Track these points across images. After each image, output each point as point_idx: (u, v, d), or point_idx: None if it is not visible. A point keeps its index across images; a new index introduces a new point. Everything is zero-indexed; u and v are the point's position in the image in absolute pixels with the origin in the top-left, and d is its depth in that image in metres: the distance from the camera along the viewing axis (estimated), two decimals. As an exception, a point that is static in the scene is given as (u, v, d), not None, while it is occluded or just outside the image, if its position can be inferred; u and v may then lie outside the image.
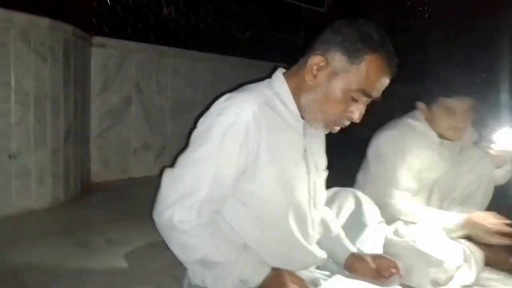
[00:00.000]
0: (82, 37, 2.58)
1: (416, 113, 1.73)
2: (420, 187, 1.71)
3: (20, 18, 2.02)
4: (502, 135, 1.68)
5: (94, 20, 2.90)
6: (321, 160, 1.20)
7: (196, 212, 0.95)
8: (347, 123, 1.07)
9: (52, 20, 2.16)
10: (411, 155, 1.66)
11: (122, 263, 1.65)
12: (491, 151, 1.69)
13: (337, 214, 1.38)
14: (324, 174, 1.22)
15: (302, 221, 1.09)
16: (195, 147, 0.99)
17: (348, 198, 1.42)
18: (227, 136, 0.96)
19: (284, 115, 1.06)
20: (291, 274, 0.99)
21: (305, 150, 1.10)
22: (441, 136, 1.70)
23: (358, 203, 1.41)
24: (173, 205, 0.95)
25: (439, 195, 1.77)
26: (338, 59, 1.00)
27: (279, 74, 1.09)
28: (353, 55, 0.99)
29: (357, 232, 1.34)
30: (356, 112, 1.03)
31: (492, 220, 1.52)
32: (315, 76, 1.02)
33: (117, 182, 2.93)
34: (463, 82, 1.60)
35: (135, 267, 1.62)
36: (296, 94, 1.06)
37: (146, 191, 1.02)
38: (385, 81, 1.02)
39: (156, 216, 0.99)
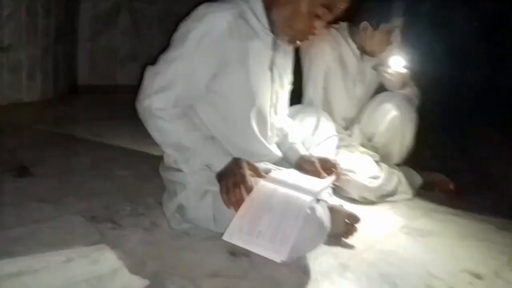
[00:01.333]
0: None
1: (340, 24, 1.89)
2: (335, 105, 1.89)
3: None
4: (395, 61, 1.83)
5: None
6: (287, 75, 1.40)
7: (172, 103, 1.15)
8: (311, 37, 1.25)
9: None
10: (325, 64, 1.84)
11: (107, 152, 1.88)
12: (385, 74, 1.84)
13: (299, 126, 1.59)
14: (288, 87, 1.42)
15: (262, 122, 1.31)
16: (174, 47, 1.16)
17: (310, 113, 1.64)
18: (202, 41, 1.13)
19: (255, 28, 1.22)
20: (248, 162, 1.20)
21: (272, 62, 1.29)
22: (362, 50, 1.86)
23: (318, 118, 1.63)
24: (152, 95, 1.14)
25: (361, 134, 1.93)
26: None
27: None
28: None
29: (313, 142, 1.58)
30: (319, 28, 1.22)
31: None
32: None
33: (102, 87, 3.09)
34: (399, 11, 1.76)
35: (118, 156, 1.85)
36: (268, 10, 1.23)
37: (131, 97, 1.21)
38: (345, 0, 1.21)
39: (137, 104, 1.18)
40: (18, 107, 2.29)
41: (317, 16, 1.20)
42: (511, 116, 3.64)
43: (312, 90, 1.85)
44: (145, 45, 3.32)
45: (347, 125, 1.97)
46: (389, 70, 1.82)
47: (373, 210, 1.68)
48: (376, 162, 1.83)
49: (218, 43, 1.15)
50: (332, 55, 1.83)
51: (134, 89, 1.22)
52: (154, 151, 1.79)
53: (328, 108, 1.85)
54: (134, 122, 1.25)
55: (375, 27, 1.77)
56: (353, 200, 1.71)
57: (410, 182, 1.90)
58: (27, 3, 2.23)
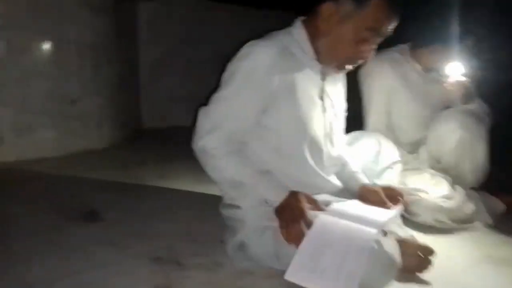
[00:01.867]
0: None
1: (401, 48, 1.82)
2: (402, 132, 1.81)
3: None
4: (452, 68, 1.72)
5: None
6: (339, 102, 1.38)
7: (224, 141, 1.18)
8: (360, 62, 1.23)
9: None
10: (385, 81, 1.77)
11: (171, 194, 1.94)
12: (445, 85, 1.74)
13: (358, 154, 1.54)
14: (342, 115, 1.39)
15: (317, 153, 1.29)
16: (223, 87, 1.21)
17: (370, 140, 1.58)
18: (248, 78, 1.17)
19: (302, 59, 1.23)
20: (307, 195, 1.18)
21: (322, 91, 1.28)
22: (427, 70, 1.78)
23: (379, 143, 1.57)
24: (205, 136, 1.19)
25: (429, 156, 1.83)
26: (347, 5, 1.16)
27: (297, 22, 1.27)
28: (360, 1, 1.14)
29: (375, 170, 1.52)
30: (368, 51, 1.20)
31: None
32: (327, 22, 1.18)
33: (165, 129, 3.23)
34: (444, 32, 1.68)
35: (181, 196, 1.90)
36: (313, 39, 1.23)
37: (191, 138, 1.27)
38: (392, 20, 1.18)
39: (193, 145, 1.23)
40: (89, 154, 2.45)
41: (364, 40, 1.18)
42: None
43: (374, 115, 1.80)
44: (201, 86, 3.44)
45: (414, 149, 1.87)
46: (448, 79, 1.73)
47: (449, 239, 1.56)
48: (450, 185, 1.70)
49: (265, 78, 1.17)
50: (394, 76, 1.78)
51: (193, 130, 1.26)
52: (214, 191, 1.81)
53: (392, 133, 1.77)
54: (195, 162, 1.27)
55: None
56: (426, 229, 1.58)
57: (490, 209, 1.74)
58: (91, 56, 2.41)
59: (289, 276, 0.98)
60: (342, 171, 1.42)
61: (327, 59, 1.24)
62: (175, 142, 2.89)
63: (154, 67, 3.24)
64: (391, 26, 1.19)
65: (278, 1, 3.87)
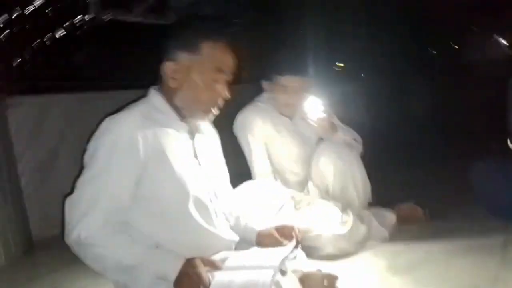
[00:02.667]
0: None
1: (264, 93, 1.97)
2: (290, 175, 1.93)
3: None
4: (310, 104, 1.84)
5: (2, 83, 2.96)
6: (216, 157, 1.40)
7: (100, 225, 1.10)
8: (221, 102, 1.27)
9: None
10: (259, 133, 1.88)
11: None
12: (309, 121, 1.86)
13: (252, 202, 1.57)
14: (222, 169, 1.42)
15: (203, 211, 1.26)
16: (87, 169, 1.15)
17: (260, 187, 1.64)
18: (112, 153, 1.13)
19: (165, 123, 1.23)
20: (203, 258, 1.14)
21: (194, 149, 1.29)
22: (282, 113, 1.92)
23: (268, 189, 1.63)
24: (77, 225, 1.09)
25: (318, 189, 1.96)
26: (183, 57, 1.22)
27: (151, 90, 1.28)
28: (192, 47, 1.21)
29: (269, 213, 1.56)
30: (222, 91, 1.25)
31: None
32: (174, 79, 1.23)
33: (60, 237, 2.96)
34: (294, 61, 1.85)
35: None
36: (171, 100, 1.25)
37: None
38: (229, 55, 1.25)
39: (66, 240, 1.12)
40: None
41: (215, 81, 1.24)
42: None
43: (257, 164, 1.87)
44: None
45: (302, 186, 1.97)
46: (310, 116, 1.85)
47: (353, 261, 1.63)
48: (341, 210, 1.80)
49: (130, 149, 1.13)
50: (264, 125, 1.89)
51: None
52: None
53: (279, 177, 1.86)
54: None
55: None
56: (332, 258, 1.64)
57: (383, 222, 1.87)
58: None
59: None
60: (236, 225, 1.42)
61: (190, 111, 1.25)
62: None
63: (36, 171, 3.02)
64: (232, 61, 1.26)
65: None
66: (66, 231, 1.12)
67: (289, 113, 1.93)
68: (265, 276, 1.03)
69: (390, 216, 1.93)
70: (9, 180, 2.69)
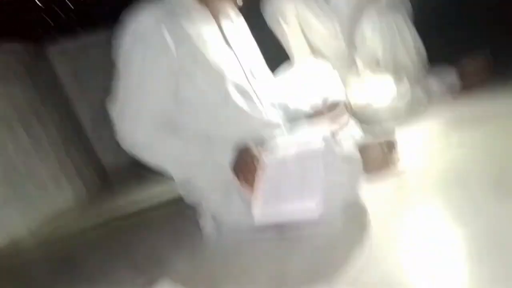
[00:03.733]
0: (36, 51, 2.75)
1: None
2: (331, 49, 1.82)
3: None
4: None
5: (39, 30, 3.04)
6: (247, 39, 1.35)
7: (150, 125, 1.12)
8: None
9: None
10: (292, 15, 1.78)
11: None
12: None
13: (295, 83, 1.51)
14: (255, 50, 1.38)
15: (244, 93, 1.23)
16: (124, 73, 1.14)
17: (302, 67, 1.56)
18: (146, 54, 1.11)
19: (186, 13, 1.19)
20: (253, 148, 1.13)
21: (223, 33, 1.25)
22: None
23: (311, 66, 1.55)
24: (129, 129, 1.13)
25: (367, 63, 1.84)
26: None
27: None
28: None
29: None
30: None
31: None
32: None
33: (130, 164, 3.14)
34: None
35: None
36: None
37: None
38: None
39: (122, 143, 1.16)
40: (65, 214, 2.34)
41: None
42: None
43: (295, 46, 1.80)
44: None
45: (349, 64, 1.87)
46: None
47: (414, 125, 1.56)
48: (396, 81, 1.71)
49: (160, 49, 1.12)
50: (295, 4, 1.79)
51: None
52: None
53: (320, 55, 1.78)
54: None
55: None
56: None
57: (444, 82, 1.76)
58: (23, 122, 2.34)
59: (259, 219, 0.97)
60: (286, 112, 1.39)
61: None
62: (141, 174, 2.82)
63: (93, 111, 3.17)
64: None
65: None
66: (119, 136, 1.15)
67: None
68: (317, 144, 1.02)
69: (452, 75, 1.80)
70: (71, 124, 2.87)
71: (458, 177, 1.08)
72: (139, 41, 1.12)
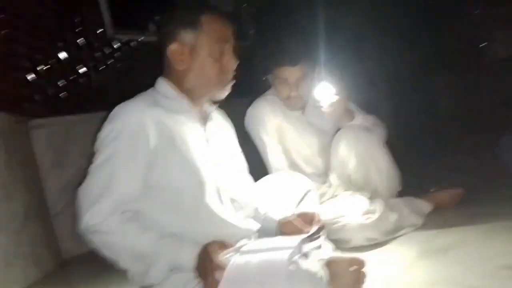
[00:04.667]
0: (17, 121, 2.75)
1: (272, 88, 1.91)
2: (309, 167, 1.88)
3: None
4: (321, 90, 1.74)
5: (25, 105, 3.06)
6: (229, 144, 1.39)
7: (109, 211, 1.09)
8: (231, 75, 1.28)
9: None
10: (271, 126, 1.84)
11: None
12: (322, 109, 1.76)
13: (272, 195, 1.53)
14: (237, 157, 1.41)
15: (218, 199, 1.24)
16: (96, 157, 1.16)
17: (280, 179, 1.61)
18: (120, 139, 1.13)
19: (174, 109, 1.23)
20: (221, 243, 1.10)
21: (206, 136, 1.28)
22: (288, 107, 1.86)
23: (288, 179, 1.58)
24: (87, 211, 1.09)
25: (341, 180, 1.88)
26: (186, 35, 1.22)
27: (159, 79, 1.29)
28: (192, 24, 1.22)
29: (291, 205, 1.51)
30: (231, 61, 1.26)
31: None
32: (182, 60, 1.23)
33: (89, 254, 2.98)
34: (291, 51, 1.74)
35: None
36: (181, 85, 1.26)
37: None
38: (229, 24, 1.27)
39: (78, 226, 1.12)
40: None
41: (222, 54, 1.25)
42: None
43: (273, 157, 1.83)
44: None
45: (324, 178, 1.90)
46: (322, 104, 1.76)
47: (383, 249, 1.55)
48: (370, 199, 1.73)
49: (138, 135, 1.14)
50: (275, 116, 1.86)
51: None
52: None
53: (298, 170, 1.80)
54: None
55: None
56: (360, 249, 1.57)
57: (417, 211, 1.78)
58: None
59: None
60: (256, 217, 1.38)
61: (205, 90, 1.26)
62: (102, 267, 2.67)
63: (64, 192, 3.08)
64: (232, 30, 1.28)
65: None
66: (77, 220, 1.11)
67: (294, 106, 1.86)
68: (283, 255, 0.99)
69: (425, 205, 1.84)
70: (37, 200, 2.76)
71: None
72: (117, 130, 1.14)
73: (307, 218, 1.31)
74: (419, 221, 1.73)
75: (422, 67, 4.44)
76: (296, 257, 1.02)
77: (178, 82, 1.26)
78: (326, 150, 1.88)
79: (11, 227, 2.38)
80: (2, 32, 2.76)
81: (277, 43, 1.79)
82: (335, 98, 1.73)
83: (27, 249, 2.47)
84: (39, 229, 2.69)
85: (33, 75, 3.02)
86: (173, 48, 1.22)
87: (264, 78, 1.92)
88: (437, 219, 1.75)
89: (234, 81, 1.30)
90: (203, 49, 1.22)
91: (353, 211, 1.64)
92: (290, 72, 1.75)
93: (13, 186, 2.50)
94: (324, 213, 1.63)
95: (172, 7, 1.27)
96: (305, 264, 1.02)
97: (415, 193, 1.91)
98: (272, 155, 1.83)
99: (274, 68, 1.78)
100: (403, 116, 3.96)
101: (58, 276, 2.63)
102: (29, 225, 2.54)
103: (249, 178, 1.47)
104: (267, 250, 1.06)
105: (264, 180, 1.61)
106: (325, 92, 1.73)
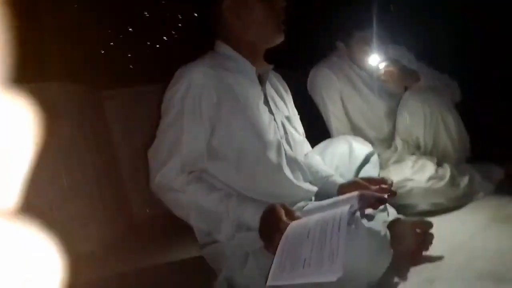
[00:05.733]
0: (91, 92, 2.92)
1: (338, 51, 1.87)
2: (370, 130, 1.84)
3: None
4: (373, 61, 1.75)
5: (98, 77, 3.24)
6: (288, 106, 1.39)
7: (179, 170, 1.14)
8: (284, 14, 1.28)
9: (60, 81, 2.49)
10: (334, 88, 1.81)
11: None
12: (381, 79, 1.75)
13: (331, 160, 1.51)
14: (295, 118, 1.41)
15: (279, 158, 1.24)
16: (163, 117, 1.20)
17: (339, 142, 1.56)
18: (185, 100, 1.16)
19: (235, 69, 1.25)
20: (284, 206, 1.10)
21: (265, 96, 1.29)
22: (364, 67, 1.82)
23: (349, 143, 1.54)
24: (159, 171, 1.14)
25: (406, 144, 1.82)
26: None
27: (218, 42, 1.31)
28: None
29: (352, 169, 1.47)
30: (280, 1, 1.26)
31: None
32: (238, 17, 1.25)
33: (159, 217, 3.14)
34: (369, 16, 1.70)
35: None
36: (241, 42, 1.27)
37: None
38: None
39: (151, 185, 1.18)
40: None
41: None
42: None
43: (335, 122, 1.80)
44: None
45: (388, 143, 1.84)
46: (379, 73, 1.74)
47: (451, 214, 1.50)
48: (437, 164, 1.65)
49: (201, 96, 1.16)
50: (338, 80, 1.82)
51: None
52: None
53: (360, 134, 1.75)
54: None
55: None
56: (428, 215, 1.50)
57: (488, 177, 1.68)
58: (65, 161, 2.42)
59: (271, 281, 0.91)
60: (316, 179, 1.38)
61: (267, 35, 1.27)
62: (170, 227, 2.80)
63: (134, 159, 3.26)
64: None
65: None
66: (150, 179, 1.17)
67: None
68: (343, 210, 0.98)
69: (497, 171, 1.73)
70: (109, 167, 2.94)
71: (492, 273, 0.99)
72: (183, 90, 1.17)
73: (373, 183, 1.27)
74: (490, 187, 1.64)
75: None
76: (357, 214, 1.00)
77: (237, 40, 1.28)
78: (394, 114, 1.82)
79: (86, 191, 2.57)
80: (74, 6, 2.92)
81: (356, 9, 1.76)
82: (387, 66, 1.71)
83: (101, 212, 2.66)
84: (112, 193, 2.88)
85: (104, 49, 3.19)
86: (226, 5, 1.24)
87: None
88: (510, 186, 1.64)
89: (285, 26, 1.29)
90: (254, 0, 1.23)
91: (420, 175, 1.59)
92: (370, 36, 1.72)
93: (88, 153, 2.68)
94: (390, 176, 1.59)
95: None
96: (367, 223, 1.01)
97: (487, 159, 1.80)
98: (334, 118, 1.81)
99: (355, 33, 1.77)
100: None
101: (130, 237, 2.81)
102: (102, 189, 2.73)
103: (307, 142, 1.46)
104: (329, 206, 1.06)
105: (324, 143, 1.59)
106: (377, 61, 1.73)
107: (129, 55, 3.35)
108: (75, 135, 2.59)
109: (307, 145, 1.47)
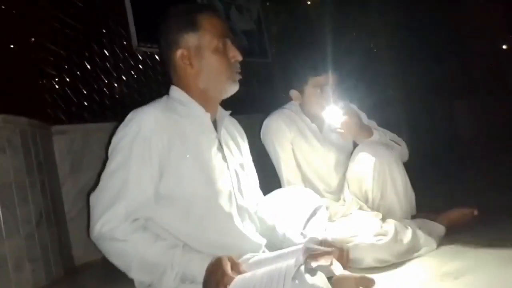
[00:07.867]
0: (40, 127, 2.82)
1: (291, 101, 1.94)
2: (322, 182, 1.88)
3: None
4: (330, 112, 1.79)
5: (50, 111, 3.15)
6: (241, 152, 1.40)
7: (122, 217, 1.10)
8: (238, 66, 1.32)
9: (5, 114, 2.40)
10: (287, 141, 1.86)
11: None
12: (336, 131, 1.80)
13: (281, 210, 1.52)
14: (249, 167, 1.42)
15: (229, 208, 1.24)
16: (110, 161, 1.18)
17: (289, 194, 1.59)
18: (134, 144, 1.15)
19: (185, 114, 1.25)
20: (230, 258, 1.10)
21: (219, 142, 1.29)
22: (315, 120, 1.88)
23: (298, 196, 1.57)
24: (100, 218, 1.10)
25: (355, 198, 1.86)
26: (188, 38, 1.26)
27: (172, 86, 1.33)
28: (192, 26, 1.26)
29: (300, 222, 1.49)
30: (235, 53, 1.29)
31: None
32: (191, 65, 1.26)
33: (101, 261, 3.00)
34: (324, 61, 1.82)
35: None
36: (194, 90, 1.29)
37: None
38: (223, 18, 1.33)
39: (90, 234, 1.13)
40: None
41: (225, 46, 1.28)
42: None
43: (286, 171, 1.82)
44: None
45: (337, 196, 1.89)
46: (333, 124, 1.79)
47: (394, 271, 1.52)
48: (382, 220, 1.69)
49: (151, 140, 1.15)
50: (290, 131, 1.87)
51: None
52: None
53: (310, 186, 1.79)
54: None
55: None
56: (373, 270, 1.53)
57: (430, 233, 1.74)
58: (2, 197, 2.30)
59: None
60: (273, 235, 1.39)
61: (219, 86, 1.29)
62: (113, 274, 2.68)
63: (80, 197, 3.13)
64: (227, 24, 1.32)
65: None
66: (90, 226, 1.12)
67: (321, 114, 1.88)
68: (289, 267, 0.98)
69: (439, 227, 1.79)
70: (52, 204, 2.80)
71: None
72: (132, 134, 1.16)
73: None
74: (434, 244, 1.69)
75: (444, 90, 4.44)
76: (302, 270, 1.00)
77: (190, 87, 1.29)
78: (343, 167, 1.88)
79: (25, 230, 2.42)
80: (29, 39, 2.86)
81: (309, 54, 1.84)
82: (346, 118, 1.76)
83: (39, 253, 2.50)
84: (52, 234, 2.72)
85: (57, 83, 3.12)
86: (179, 54, 1.26)
87: (284, 94, 1.96)
88: (452, 242, 1.70)
89: (240, 76, 1.33)
90: (208, 47, 1.26)
91: (366, 231, 1.62)
92: (326, 79, 1.80)
93: (31, 189, 2.55)
94: (335, 231, 1.61)
95: (164, 16, 1.31)
96: (311, 279, 1.01)
97: (429, 215, 1.87)
98: (286, 168, 1.84)
99: (309, 77, 1.83)
100: (421, 137, 3.94)
101: (68, 282, 2.65)
102: (43, 229, 2.58)
103: (260, 192, 1.47)
104: (275, 259, 1.05)
105: (274, 194, 1.61)
106: (335, 113, 1.77)
107: (82, 92, 3.29)
108: (18, 168, 2.47)
109: (259, 194, 1.48)
